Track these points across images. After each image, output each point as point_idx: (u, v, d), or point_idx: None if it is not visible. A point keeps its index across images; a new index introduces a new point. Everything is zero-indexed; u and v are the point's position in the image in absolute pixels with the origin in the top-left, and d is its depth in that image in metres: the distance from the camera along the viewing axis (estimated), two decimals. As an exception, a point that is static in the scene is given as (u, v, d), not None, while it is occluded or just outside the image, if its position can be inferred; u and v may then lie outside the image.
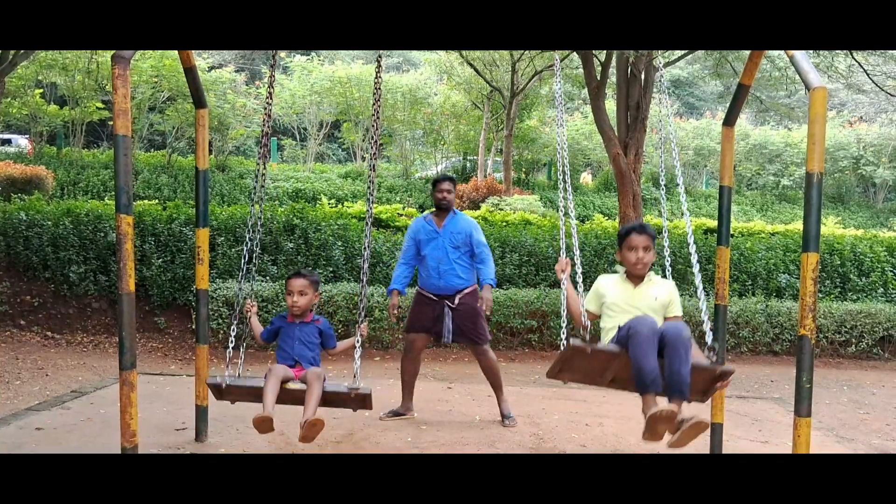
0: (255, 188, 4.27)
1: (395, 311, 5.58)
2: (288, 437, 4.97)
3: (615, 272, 4.17)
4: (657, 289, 3.78)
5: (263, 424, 3.66)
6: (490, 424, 5.53)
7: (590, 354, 3.39)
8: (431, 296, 5.51)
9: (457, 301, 5.44)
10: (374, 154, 4.20)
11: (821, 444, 5.33)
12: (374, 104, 4.29)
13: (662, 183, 4.28)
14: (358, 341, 3.91)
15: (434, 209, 5.66)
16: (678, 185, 4.09)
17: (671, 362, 3.33)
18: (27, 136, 19.26)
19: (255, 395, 3.84)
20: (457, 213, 5.65)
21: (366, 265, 4.02)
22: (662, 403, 3.34)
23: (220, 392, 3.96)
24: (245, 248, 4.23)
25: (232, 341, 4.09)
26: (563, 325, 3.71)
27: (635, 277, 3.78)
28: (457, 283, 5.46)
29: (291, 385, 3.86)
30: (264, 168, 4.36)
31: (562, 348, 3.43)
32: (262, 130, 4.33)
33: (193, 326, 7.93)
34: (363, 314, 3.98)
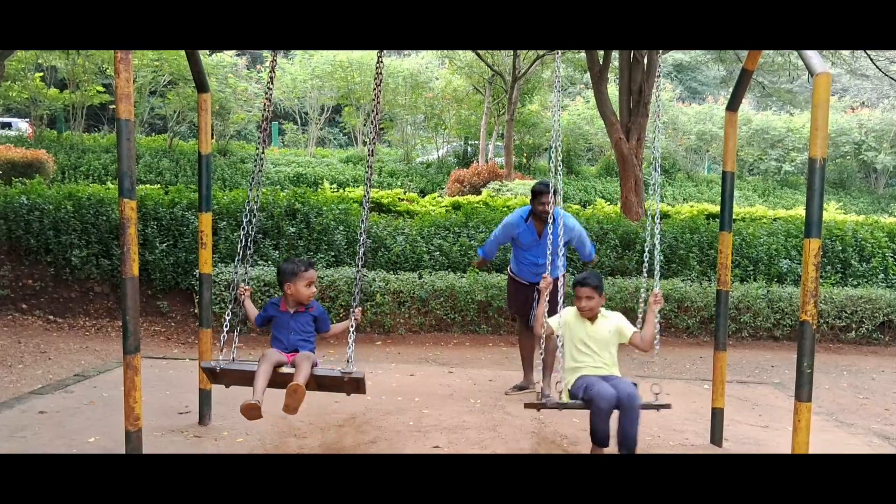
0: (254, 173, 4.23)
1: (477, 265, 6.44)
2: (291, 421, 4.98)
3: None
4: (608, 322, 4.42)
5: (251, 411, 3.67)
6: (491, 408, 5.55)
7: (558, 409, 4.30)
8: (523, 281, 5.89)
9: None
10: (373, 139, 4.07)
11: (821, 428, 5.35)
12: (374, 100, 4.14)
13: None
14: (352, 326, 3.87)
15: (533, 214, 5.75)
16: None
17: (623, 424, 4.04)
18: (27, 119, 19.22)
19: (249, 379, 3.82)
20: (556, 218, 5.20)
21: (362, 250, 3.90)
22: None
23: (215, 376, 3.94)
24: (242, 233, 4.14)
25: (227, 325, 4.02)
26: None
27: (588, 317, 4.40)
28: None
29: (285, 369, 3.87)
30: (263, 153, 4.32)
31: (536, 399, 4.23)
32: (263, 115, 4.29)
33: (195, 310, 7.97)
34: (357, 299, 3.90)
